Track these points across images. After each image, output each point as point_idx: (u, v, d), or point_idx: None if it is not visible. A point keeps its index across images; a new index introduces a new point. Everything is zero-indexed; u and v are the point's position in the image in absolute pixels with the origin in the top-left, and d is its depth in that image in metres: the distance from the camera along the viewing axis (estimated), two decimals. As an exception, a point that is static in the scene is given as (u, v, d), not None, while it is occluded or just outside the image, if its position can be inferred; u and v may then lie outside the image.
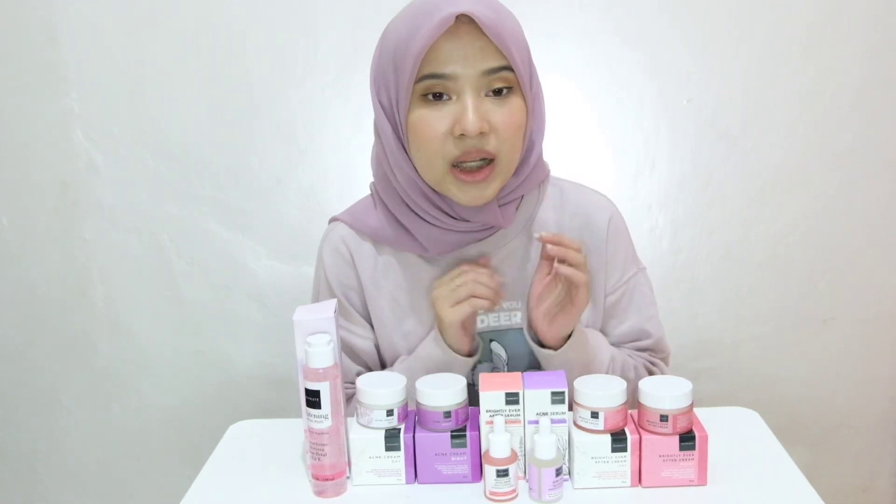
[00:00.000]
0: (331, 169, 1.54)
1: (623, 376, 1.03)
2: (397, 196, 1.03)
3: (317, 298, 1.11)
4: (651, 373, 1.10)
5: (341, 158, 1.54)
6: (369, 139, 1.52)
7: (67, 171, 1.55)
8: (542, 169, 1.06)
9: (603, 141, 1.53)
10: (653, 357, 1.12)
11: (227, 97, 1.51)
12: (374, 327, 1.10)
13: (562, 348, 1.00)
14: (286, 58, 1.50)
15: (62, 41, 1.50)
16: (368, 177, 1.58)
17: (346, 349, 1.09)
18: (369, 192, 1.11)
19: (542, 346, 1.02)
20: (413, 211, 1.02)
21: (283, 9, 1.48)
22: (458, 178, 0.95)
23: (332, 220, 1.13)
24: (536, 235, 0.97)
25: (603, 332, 1.10)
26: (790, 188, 1.53)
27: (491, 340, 1.07)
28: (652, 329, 1.11)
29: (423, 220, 1.02)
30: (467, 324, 1.00)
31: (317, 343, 0.85)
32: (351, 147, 1.53)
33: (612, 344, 1.11)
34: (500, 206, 1.01)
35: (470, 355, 1.03)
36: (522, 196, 1.06)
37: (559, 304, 0.98)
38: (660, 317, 1.13)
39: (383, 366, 1.11)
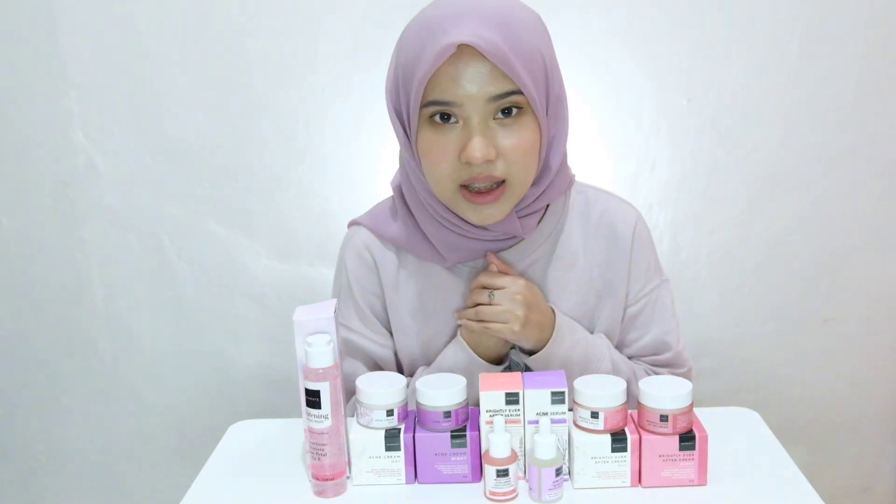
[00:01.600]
0: (331, 169, 1.54)
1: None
2: (418, 199, 1.01)
3: (338, 303, 1.10)
4: None
5: (341, 158, 1.54)
6: (369, 139, 1.53)
7: (67, 171, 1.55)
8: (565, 177, 1.03)
9: (603, 141, 1.53)
10: (673, 373, 1.08)
11: (227, 97, 1.51)
12: (394, 334, 1.08)
13: (535, 354, 1.01)
14: (286, 58, 1.50)
15: (62, 41, 1.50)
16: (369, 177, 1.58)
17: (364, 357, 1.08)
18: (389, 190, 1.09)
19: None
20: (433, 217, 1.01)
21: (283, 8, 1.48)
22: (467, 198, 0.93)
23: (352, 223, 1.10)
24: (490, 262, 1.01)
25: (622, 344, 1.09)
26: (790, 188, 1.53)
27: (511, 347, 1.05)
28: (672, 341, 1.08)
29: (443, 226, 1.00)
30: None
31: (317, 343, 0.85)
32: (351, 147, 1.53)
33: (632, 356, 1.09)
34: (521, 217, 0.99)
35: (499, 362, 1.02)
36: (548, 206, 1.04)
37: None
38: (680, 330, 1.10)
39: (401, 374, 1.10)
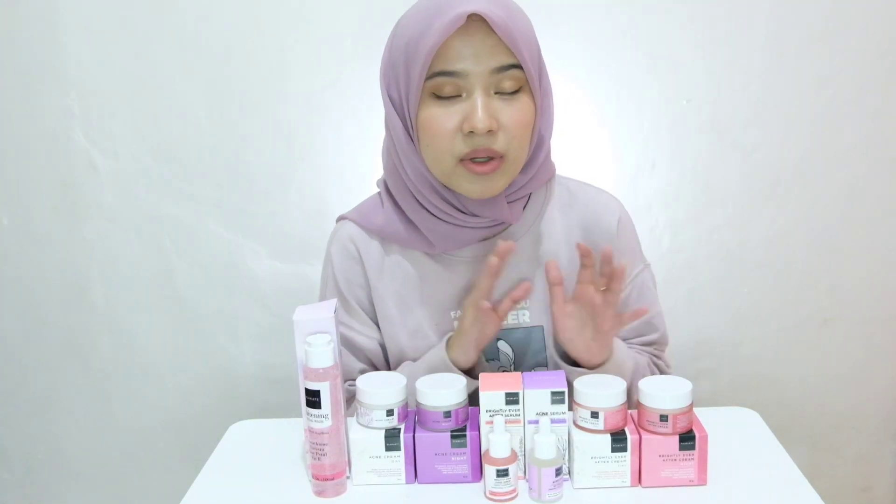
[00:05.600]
0: (331, 169, 1.54)
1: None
2: (406, 190, 1.03)
3: (324, 296, 1.12)
4: (662, 372, 1.13)
5: (341, 158, 1.54)
6: (369, 139, 1.53)
7: (67, 171, 1.55)
8: (549, 167, 1.07)
9: (603, 141, 1.53)
10: (657, 350, 1.14)
11: (227, 97, 1.51)
12: (381, 325, 1.10)
13: (596, 369, 0.99)
14: (286, 58, 1.50)
15: (62, 41, 1.50)
16: (369, 177, 1.58)
17: (350, 347, 1.09)
18: (377, 189, 1.12)
19: (576, 364, 1.00)
20: (422, 206, 1.03)
21: (283, 9, 1.48)
22: (468, 168, 0.95)
23: (340, 218, 1.14)
24: (577, 245, 0.94)
25: None
26: (790, 188, 1.53)
27: (498, 339, 1.07)
28: (658, 324, 1.13)
29: (432, 214, 1.03)
30: (481, 341, 0.99)
31: (317, 343, 0.85)
32: (351, 147, 1.53)
33: (622, 339, 1.11)
34: (508, 203, 1.02)
35: (468, 372, 1.02)
36: (530, 195, 1.07)
37: (584, 326, 0.96)
38: (663, 313, 1.15)
39: (389, 364, 1.11)
